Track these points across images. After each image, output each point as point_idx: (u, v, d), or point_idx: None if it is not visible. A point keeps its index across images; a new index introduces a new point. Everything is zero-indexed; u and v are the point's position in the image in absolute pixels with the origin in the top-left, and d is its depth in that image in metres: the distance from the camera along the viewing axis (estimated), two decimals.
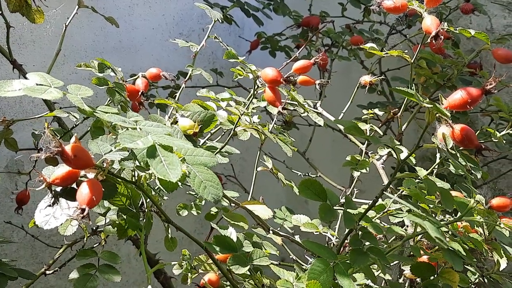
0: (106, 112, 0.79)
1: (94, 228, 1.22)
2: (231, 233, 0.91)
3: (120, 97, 1.12)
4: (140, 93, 1.22)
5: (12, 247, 1.68)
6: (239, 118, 1.08)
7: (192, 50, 1.63)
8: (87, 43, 1.86)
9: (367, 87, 1.34)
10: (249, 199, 1.26)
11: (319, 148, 1.98)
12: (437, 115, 0.84)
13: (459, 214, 0.84)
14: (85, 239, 1.19)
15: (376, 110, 1.36)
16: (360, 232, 0.80)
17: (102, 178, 0.81)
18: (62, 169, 0.78)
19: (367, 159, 1.30)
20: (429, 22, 1.04)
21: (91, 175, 0.81)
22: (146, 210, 0.89)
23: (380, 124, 1.47)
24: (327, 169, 1.84)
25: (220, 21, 1.59)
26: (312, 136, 1.87)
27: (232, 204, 1.37)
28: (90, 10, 1.68)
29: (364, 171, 1.26)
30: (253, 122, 1.26)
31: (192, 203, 1.38)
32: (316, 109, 1.54)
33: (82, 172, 0.82)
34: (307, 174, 1.80)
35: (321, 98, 1.82)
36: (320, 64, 1.69)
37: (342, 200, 1.45)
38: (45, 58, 1.72)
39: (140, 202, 0.91)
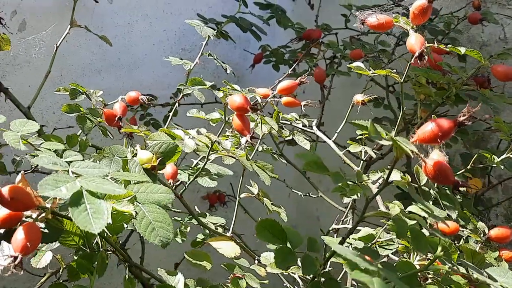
0: (48, 149, 0.75)
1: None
2: (179, 281, 0.85)
3: (92, 124, 1.07)
4: (117, 118, 1.18)
5: None
6: (211, 147, 1.02)
7: (185, 68, 1.60)
8: (84, 62, 1.84)
9: (359, 107, 1.26)
10: (231, 229, 1.20)
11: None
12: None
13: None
14: (61, 270, 1.15)
15: None
16: (322, 279, 0.73)
17: (50, 217, 0.77)
18: (2, 211, 0.74)
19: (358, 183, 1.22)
20: (414, 41, 0.96)
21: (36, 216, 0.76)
22: (102, 249, 0.84)
23: (376, 146, 1.39)
24: (330, 187, 1.76)
25: (212, 37, 1.55)
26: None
27: (220, 230, 1.31)
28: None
29: (355, 197, 1.18)
30: (242, 144, 1.20)
31: (178, 229, 1.33)
32: (311, 128, 1.46)
33: (29, 212, 0.78)
34: (307, 194, 1.73)
35: (320, 116, 1.75)
36: (318, 81, 1.63)
37: (338, 226, 1.37)
38: (39, 79, 1.70)
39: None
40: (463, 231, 1.16)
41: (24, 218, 0.77)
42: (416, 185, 0.72)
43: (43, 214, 0.74)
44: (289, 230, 0.76)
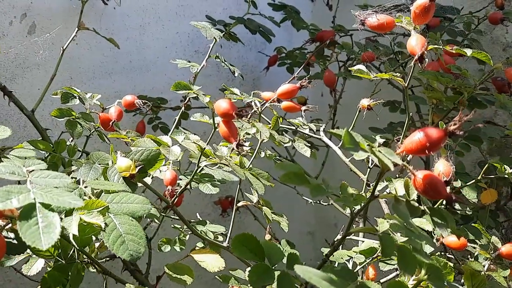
0: (18, 156, 0.72)
1: None
2: None
3: (82, 129, 1.05)
4: (111, 123, 1.15)
5: None
6: (201, 153, 0.97)
7: (191, 70, 1.56)
8: (95, 65, 1.82)
9: (364, 111, 1.20)
10: (227, 238, 1.16)
11: (335, 172, 1.84)
12: None
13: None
14: None
15: (378, 137, 1.21)
16: None
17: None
18: None
19: (364, 194, 1.15)
20: (414, 42, 0.90)
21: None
22: (77, 261, 0.81)
23: None
24: None
25: (218, 39, 1.51)
26: (325, 160, 1.72)
27: (220, 239, 1.27)
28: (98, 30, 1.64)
29: (358, 207, 1.12)
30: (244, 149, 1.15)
31: (176, 237, 1.29)
32: (319, 133, 1.40)
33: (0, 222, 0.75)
34: (318, 202, 1.67)
35: (332, 121, 1.69)
36: (328, 84, 1.57)
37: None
38: None
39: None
40: (474, 247, 1.08)
41: None
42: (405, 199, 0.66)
43: (10, 225, 0.71)
44: (268, 245, 0.71)
